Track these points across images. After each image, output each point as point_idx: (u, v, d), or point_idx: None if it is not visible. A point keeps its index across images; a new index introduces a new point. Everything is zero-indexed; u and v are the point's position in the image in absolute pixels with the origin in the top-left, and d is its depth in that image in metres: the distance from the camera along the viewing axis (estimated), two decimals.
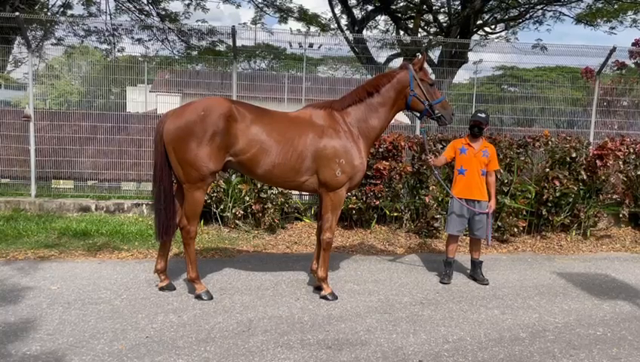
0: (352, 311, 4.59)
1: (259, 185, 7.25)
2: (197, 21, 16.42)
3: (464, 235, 6.36)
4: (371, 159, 7.24)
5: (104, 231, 6.88)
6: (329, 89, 10.08)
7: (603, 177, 7.65)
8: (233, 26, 8.31)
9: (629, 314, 4.77)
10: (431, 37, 15.22)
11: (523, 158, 7.67)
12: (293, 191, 7.48)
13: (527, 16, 15.96)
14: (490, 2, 14.66)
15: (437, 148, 7.55)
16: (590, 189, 7.76)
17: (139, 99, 10.39)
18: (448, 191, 5.79)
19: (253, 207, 7.29)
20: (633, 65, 10.89)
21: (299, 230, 7.63)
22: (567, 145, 7.61)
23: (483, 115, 5.58)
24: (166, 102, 9.62)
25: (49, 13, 14.14)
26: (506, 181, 7.44)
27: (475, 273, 5.71)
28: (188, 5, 15.47)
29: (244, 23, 15.87)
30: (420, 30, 15.98)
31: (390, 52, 16.27)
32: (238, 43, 8.77)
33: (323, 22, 16.82)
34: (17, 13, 7.95)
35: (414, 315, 4.54)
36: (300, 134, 4.70)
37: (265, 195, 7.29)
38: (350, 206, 7.34)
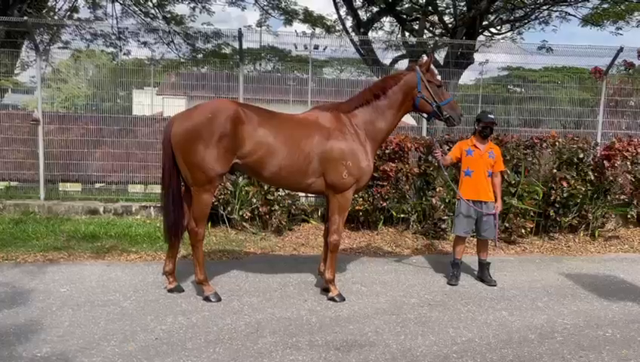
0: (360, 312, 4.60)
1: (266, 187, 7.26)
2: (203, 24, 16.49)
3: (471, 236, 6.35)
4: (378, 161, 7.23)
5: (112, 234, 6.93)
6: (335, 91, 10.08)
7: (611, 178, 7.62)
8: (240, 28, 8.35)
9: (638, 315, 4.75)
10: (437, 38, 15.18)
11: (530, 159, 7.65)
12: (301, 193, 7.50)
13: (533, 16, 15.87)
14: (496, 3, 14.60)
15: (443, 149, 7.52)
16: (598, 190, 7.73)
17: (145, 102, 10.46)
18: (456, 192, 5.78)
19: (260, 209, 7.30)
20: None
21: (306, 232, 7.64)
22: (575, 146, 7.59)
23: (493, 116, 5.60)
24: (172, 105, 9.68)
25: (56, 17, 14.23)
26: (513, 182, 7.41)
27: (482, 274, 5.69)
28: (193, 8, 15.52)
29: (250, 26, 15.92)
30: (425, 31, 15.94)
31: (396, 53, 16.22)
32: (244, 45, 8.80)
33: (328, 24, 16.80)
34: (26, 18, 8.05)
35: (422, 317, 4.54)
36: (307, 136, 4.70)
37: (272, 197, 7.31)
38: (357, 207, 7.35)
